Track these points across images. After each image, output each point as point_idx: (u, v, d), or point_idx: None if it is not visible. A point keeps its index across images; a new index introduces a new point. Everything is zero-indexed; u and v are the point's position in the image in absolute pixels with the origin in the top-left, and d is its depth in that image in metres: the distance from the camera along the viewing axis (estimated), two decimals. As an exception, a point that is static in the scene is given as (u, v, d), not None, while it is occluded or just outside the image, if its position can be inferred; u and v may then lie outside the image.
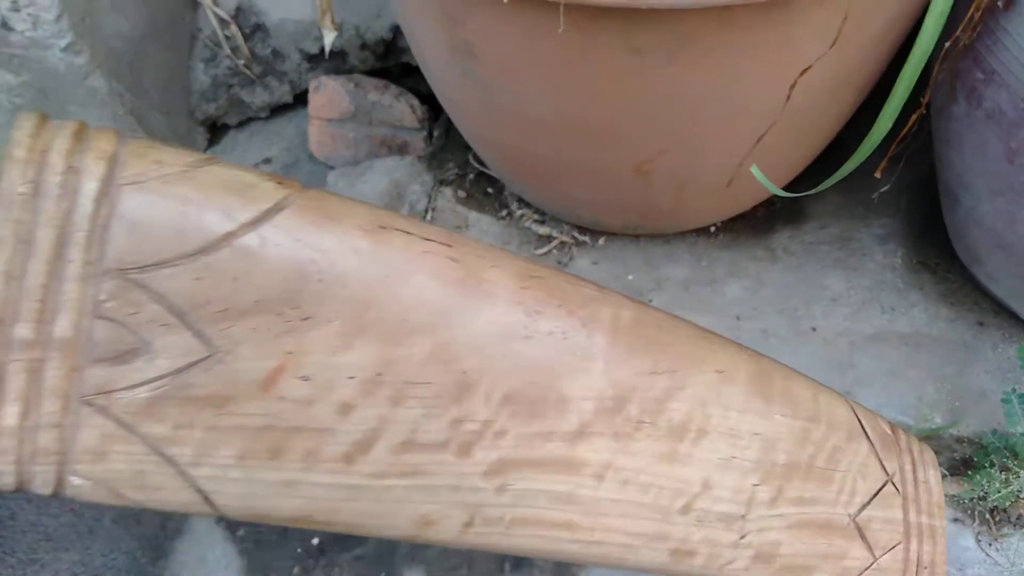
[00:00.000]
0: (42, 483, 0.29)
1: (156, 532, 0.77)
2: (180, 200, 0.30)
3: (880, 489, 0.43)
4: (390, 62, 0.95)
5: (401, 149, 0.95)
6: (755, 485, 0.39)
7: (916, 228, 0.83)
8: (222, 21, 0.91)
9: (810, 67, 0.50)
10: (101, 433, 0.29)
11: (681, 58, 0.50)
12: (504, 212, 0.87)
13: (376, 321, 0.31)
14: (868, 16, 0.50)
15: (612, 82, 0.53)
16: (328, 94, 0.93)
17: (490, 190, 0.89)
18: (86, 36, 0.78)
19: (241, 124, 1.01)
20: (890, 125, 0.48)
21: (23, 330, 0.27)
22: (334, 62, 0.95)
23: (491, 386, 0.33)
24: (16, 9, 0.74)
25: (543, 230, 0.83)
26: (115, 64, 0.82)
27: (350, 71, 0.96)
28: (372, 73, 0.96)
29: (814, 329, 0.77)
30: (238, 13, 0.91)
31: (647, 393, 0.36)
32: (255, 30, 0.92)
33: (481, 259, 0.35)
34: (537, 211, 0.85)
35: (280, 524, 0.31)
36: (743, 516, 0.39)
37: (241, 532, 0.76)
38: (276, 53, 0.93)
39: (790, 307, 0.78)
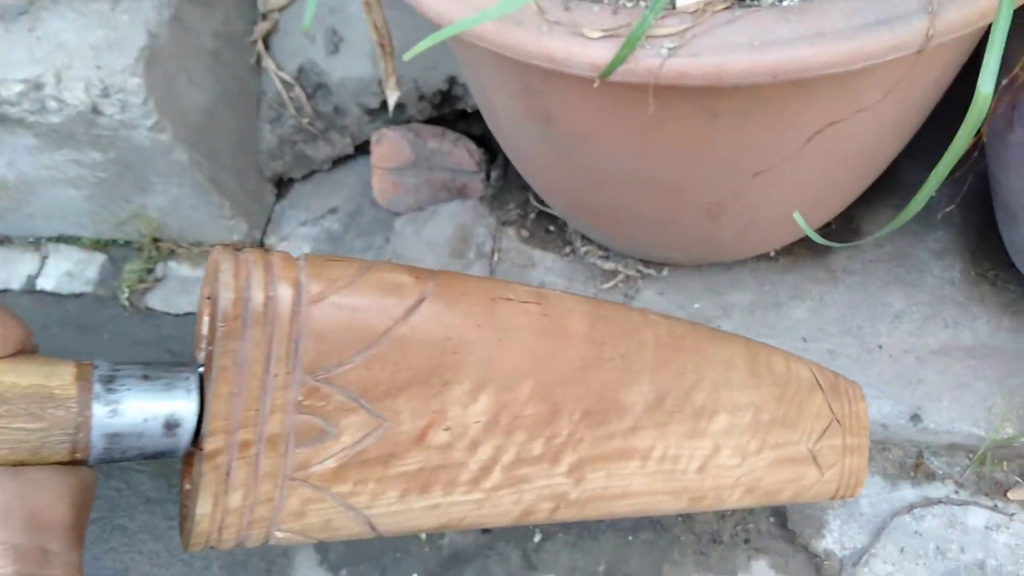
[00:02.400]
0: (253, 541, 0.36)
1: (264, 577, 0.82)
2: (351, 309, 0.36)
3: (828, 425, 0.57)
4: (445, 110, 0.99)
5: (460, 191, 0.99)
6: (748, 441, 0.50)
7: (971, 241, 0.85)
8: (286, 84, 0.95)
9: (866, 109, 0.53)
10: (301, 499, 0.35)
11: (755, 118, 0.54)
12: (568, 249, 0.90)
13: (495, 375, 0.39)
14: (926, 70, 0.53)
15: (687, 141, 0.57)
16: (389, 145, 0.98)
17: (552, 228, 0.93)
18: (168, 114, 0.83)
19: (305, 177, 1.05)
20: (934, 190, 0.51)
21: (244, 434, 0.33)
22: (392, 113, 0.99)
23: (573, 407, 0.42)
24: (106, 95, 0.79)
25: (608, 265, 0.87)
26: (193, 135, 0.87)
27: (407, 121, 1.00)
28: (429, 121, 1.00)
29: (880, 347, 0.79)
30: (300, 75, 0.96)
31: (679, 389, 0.47)
32: (317, 89, 0.96)
33: (563, 310, 0.44)
34: (601, 247, 0.88)
35: (422, 532, 0.38)
36: (739, 465, 0.50)
37: (344, 572, 0.80)
38: (337, 109, 0.97)
39: (855, 326, 0.81)
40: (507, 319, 0.41)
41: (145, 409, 0.31)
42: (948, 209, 0.83)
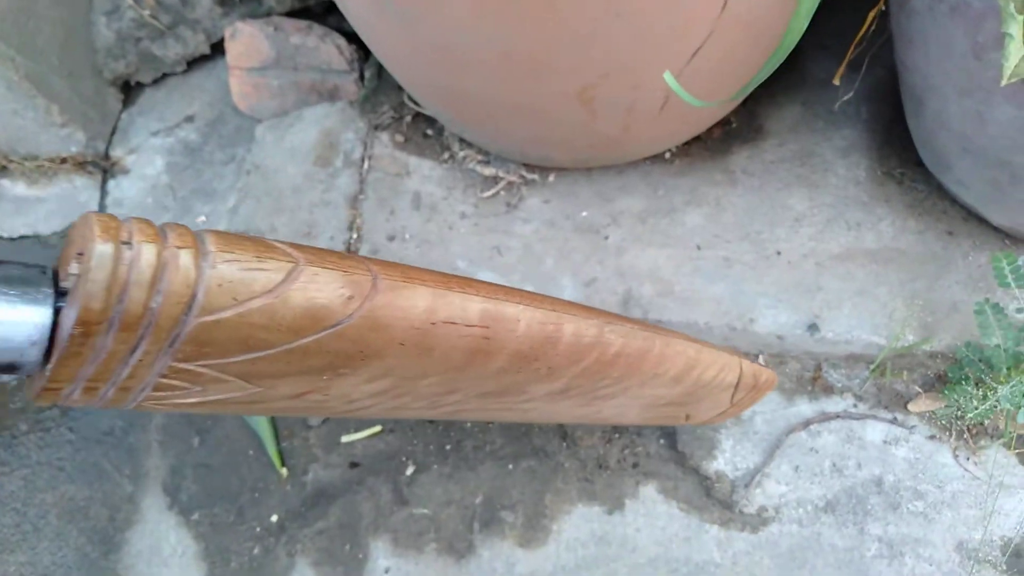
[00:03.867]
0: (128, 403, 0.32)
1: (105, 525, 0.73)
2: (250, 326, 0.30)
3: (718, 407, 0.60)
4: (311, 1, 0.87)
5: (332, 94, 0.89)
6: (632, 408, 0.54)
7: (879, 138, 0.79)
8: (118, -33, 0.82)
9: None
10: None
11: (611, -34, 0.45)
12: (446, 155, 0.81)
13: (400, 370, 0.37)
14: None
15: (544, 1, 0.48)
16: (246, 40, 0.86)
17: (429, 132, 0.83)
18: (-41, -6, 0.70)
19: (157, 81, 0.93)
20: (807, 20, 0.43)
21: (91, 384, 0.29)
22: (249, 5, 0.88)
23: (471, 389, 0.41)
24: None
25: (488, 171, 0.78)
26: (0, 25, 0.74)
27: (267, 14, 0.88)
28: (292, 14, 0.89)
29: (779, 253, 0.73)
30: (135, -43, 0.83)
31: (589, 385, 0.46)
32: (157, -25, 0.84)
33: (510, 332, 0.40)
34: (481, 151, 0.79)
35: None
36: (612, 416, 0.55)
37: (196, 516, 0.72)
38: (184, 0, 0.85)
39: (753, 231, 0.74)
40: (440, 340, 0.37)
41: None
42: (846, 98, 0.76)
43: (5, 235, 0.88)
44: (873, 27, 0.62)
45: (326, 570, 0.69)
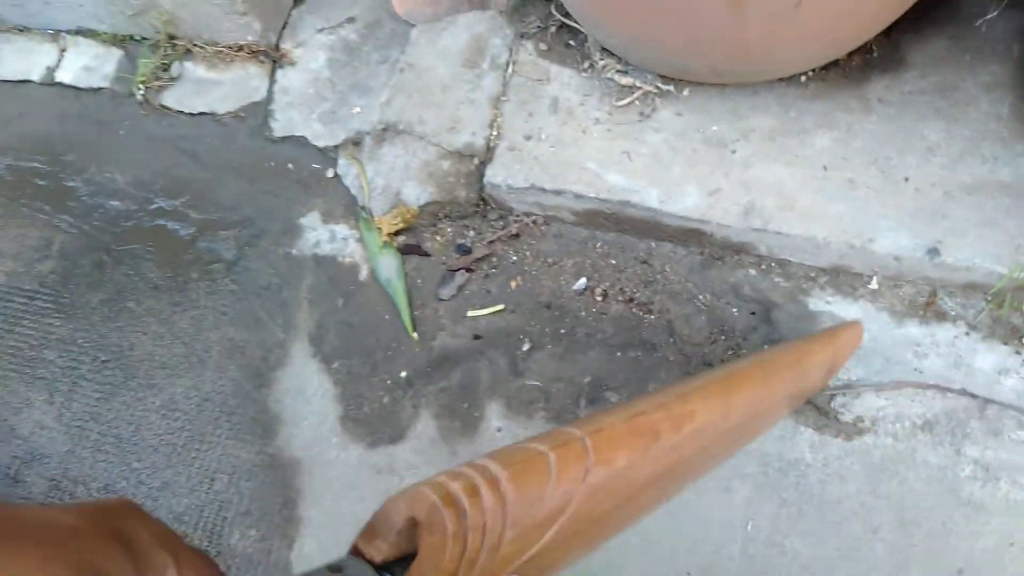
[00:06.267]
0: None
1: (259, 364, 0.83)
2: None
3: None
4: (472, -89, 0.93)
5: (482, 2, 0.94)
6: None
7: (1028, 75, 0.78)
8: None
9: None
10: None
11: None
12: (586, 64, 0.85)
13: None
14: None
15: None
16: (410, -54, 0.92)
17: (572, 42, 0.88)
18: None
19: (325, -17, 1.01)
20: None
21: None
22: (416, -87, 0.94)
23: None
24: None
25: (625, 80, 0.82)
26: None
27: (432, -78, 0.94)
28: (454, -76, 0.94)
29: (906, 179, 0.74)
30: None
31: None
32: None
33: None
34: (620, 61, 0.83)
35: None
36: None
37: (336, 365, 0.82)
38: (359, -96, 0.92)
39: (882, 157, 0.76)
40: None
41: None
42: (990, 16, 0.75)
43: (186, 111, 0.99)
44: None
45: (446, 423, 0.77)
